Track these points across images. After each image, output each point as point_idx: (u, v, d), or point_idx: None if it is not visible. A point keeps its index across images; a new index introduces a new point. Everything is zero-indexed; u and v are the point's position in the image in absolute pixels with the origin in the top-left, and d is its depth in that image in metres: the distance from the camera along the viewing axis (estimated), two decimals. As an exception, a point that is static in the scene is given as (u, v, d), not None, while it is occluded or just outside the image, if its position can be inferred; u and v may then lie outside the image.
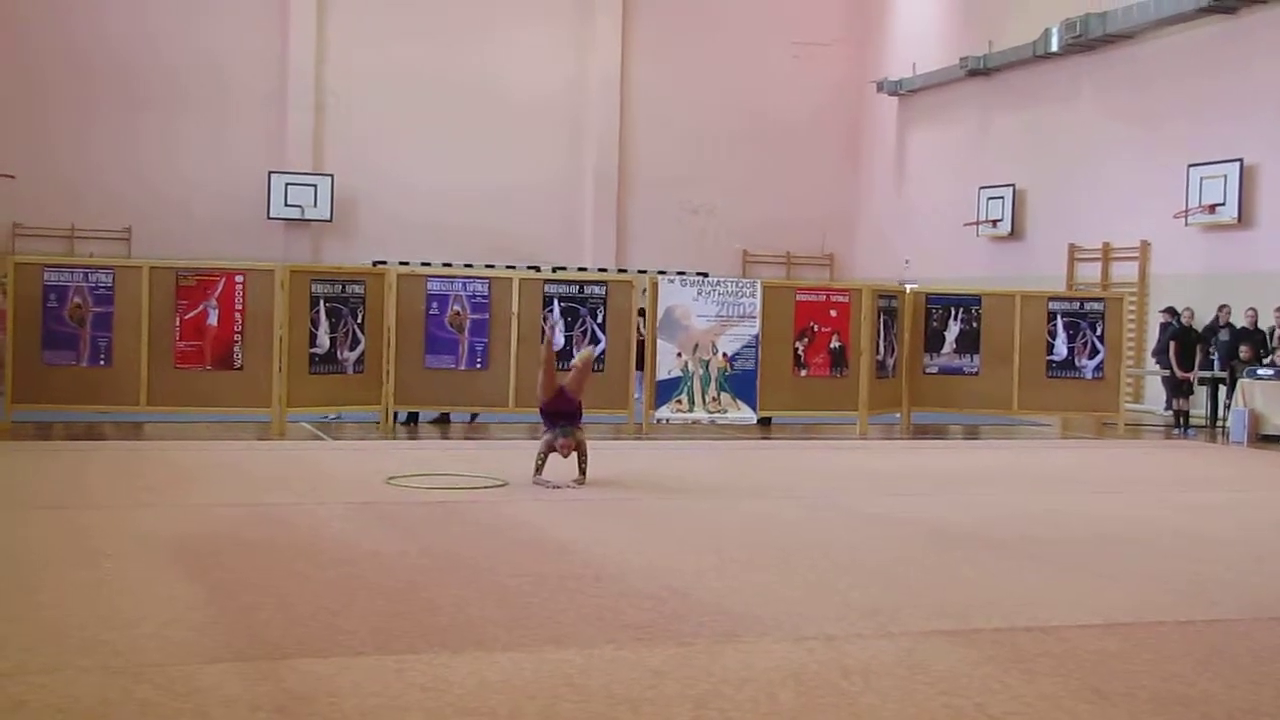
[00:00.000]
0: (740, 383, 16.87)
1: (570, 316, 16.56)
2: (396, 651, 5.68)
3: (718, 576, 7.50)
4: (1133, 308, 21.44)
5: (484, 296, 16.46)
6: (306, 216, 27.78)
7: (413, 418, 16.98)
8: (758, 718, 4.97)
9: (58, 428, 15.19)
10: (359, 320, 15.87)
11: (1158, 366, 20.25)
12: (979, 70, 26.90)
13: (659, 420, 16.57)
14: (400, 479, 11.15)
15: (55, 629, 5.91)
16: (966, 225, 26.89)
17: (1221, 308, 19.77)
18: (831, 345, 17.34)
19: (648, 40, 30.43)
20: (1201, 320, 19.98)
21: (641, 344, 16.95)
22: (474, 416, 17.10)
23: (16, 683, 5.11)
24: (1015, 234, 26.10)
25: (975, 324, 18.26)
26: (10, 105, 26.43)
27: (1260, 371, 17.71)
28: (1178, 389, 19.42)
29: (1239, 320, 19.40)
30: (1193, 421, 19.30)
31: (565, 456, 11.01)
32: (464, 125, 29.08)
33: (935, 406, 18.33)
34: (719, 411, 16.80)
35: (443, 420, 17.13)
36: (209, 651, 5.64)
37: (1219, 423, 18.97)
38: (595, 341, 16.29)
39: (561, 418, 11.08)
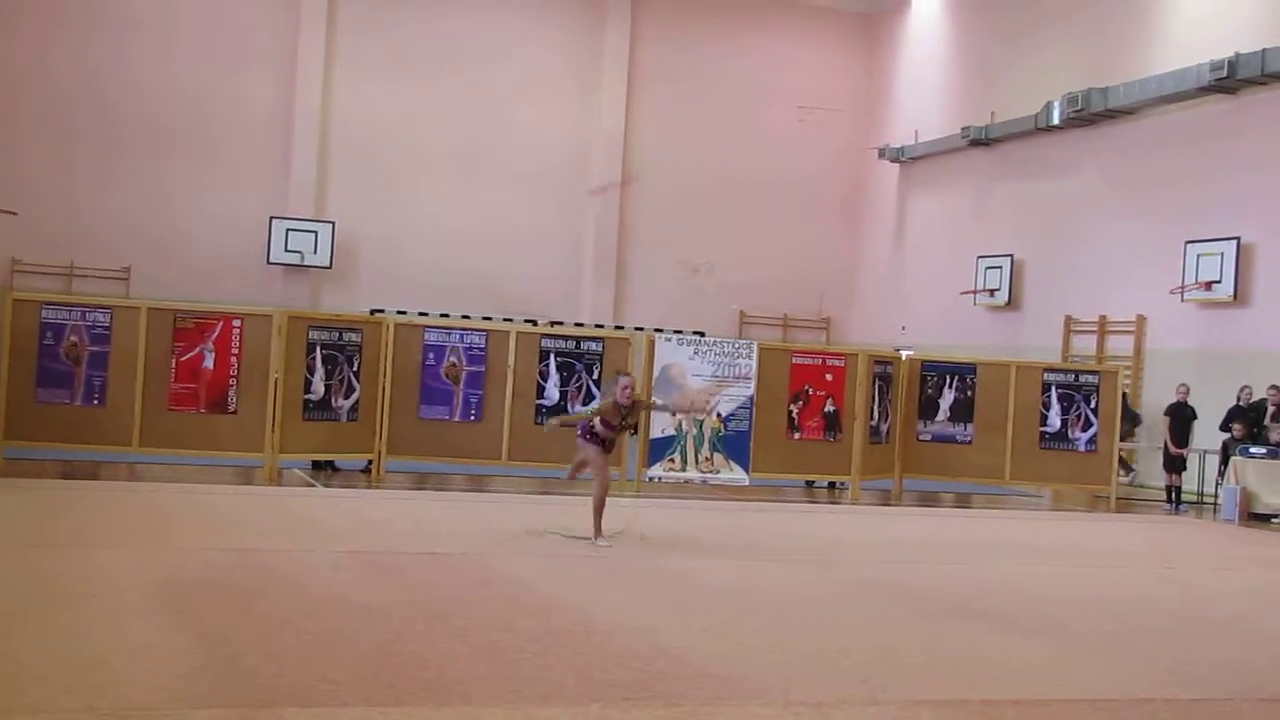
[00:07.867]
0: (734, 443, 16.87)
1: (566, 371, 16.59)
2: (383, 704, 5.66)
3: (707, 638, 7.48)
4: (1127, 381, 21.46)
5: (480, 349, 16.48)
6: (306, 263, 27.83)
7: (328, 464, 16.47)
8: (743, 783, 4.96)
9: (49, 466, 15.14)
10: (355, 368, 15.88)
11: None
12: (980, 140, 27.08)
13: (651, 479, 16.54)
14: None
15: (40, 670, 5.89)
16: (964, 294, 26.98)
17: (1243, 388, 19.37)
18: (826, 409, 17.35)
19: (653, 99, 30.66)
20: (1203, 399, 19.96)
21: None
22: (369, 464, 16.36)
23: (0, 723, 5.09)
24: (1012, 304, 26.18)
25: (970, 393, 18.28)
26: (14, 142, 26.54)
27: (1253, 450, 17.72)
28: (1171, 464, 19.38)
29: (1231, 398, 19.30)
30: (1185, 497, 19.28)
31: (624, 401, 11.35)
32: (466, 178, 29.27)
33: (927, 474, 18.31)
34: (711, 471, 16.79)
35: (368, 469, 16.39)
36: (196, 697, 5.61)
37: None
38: (591, 398, 16.29)
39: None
